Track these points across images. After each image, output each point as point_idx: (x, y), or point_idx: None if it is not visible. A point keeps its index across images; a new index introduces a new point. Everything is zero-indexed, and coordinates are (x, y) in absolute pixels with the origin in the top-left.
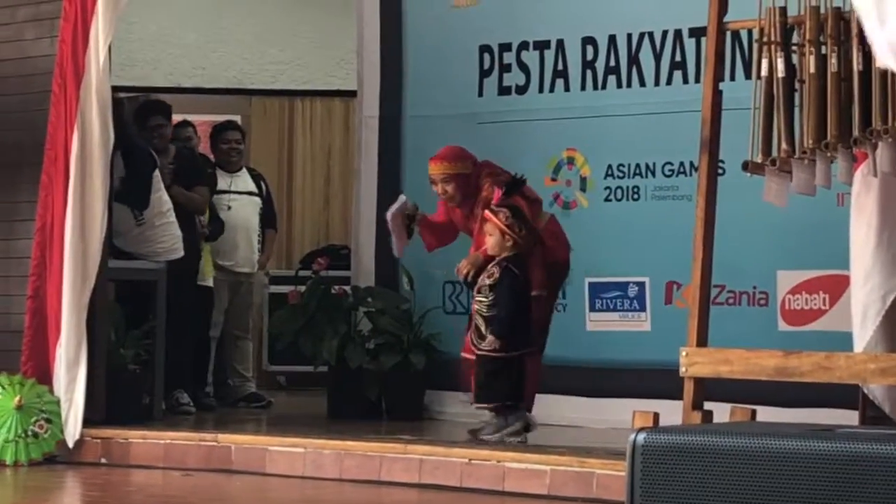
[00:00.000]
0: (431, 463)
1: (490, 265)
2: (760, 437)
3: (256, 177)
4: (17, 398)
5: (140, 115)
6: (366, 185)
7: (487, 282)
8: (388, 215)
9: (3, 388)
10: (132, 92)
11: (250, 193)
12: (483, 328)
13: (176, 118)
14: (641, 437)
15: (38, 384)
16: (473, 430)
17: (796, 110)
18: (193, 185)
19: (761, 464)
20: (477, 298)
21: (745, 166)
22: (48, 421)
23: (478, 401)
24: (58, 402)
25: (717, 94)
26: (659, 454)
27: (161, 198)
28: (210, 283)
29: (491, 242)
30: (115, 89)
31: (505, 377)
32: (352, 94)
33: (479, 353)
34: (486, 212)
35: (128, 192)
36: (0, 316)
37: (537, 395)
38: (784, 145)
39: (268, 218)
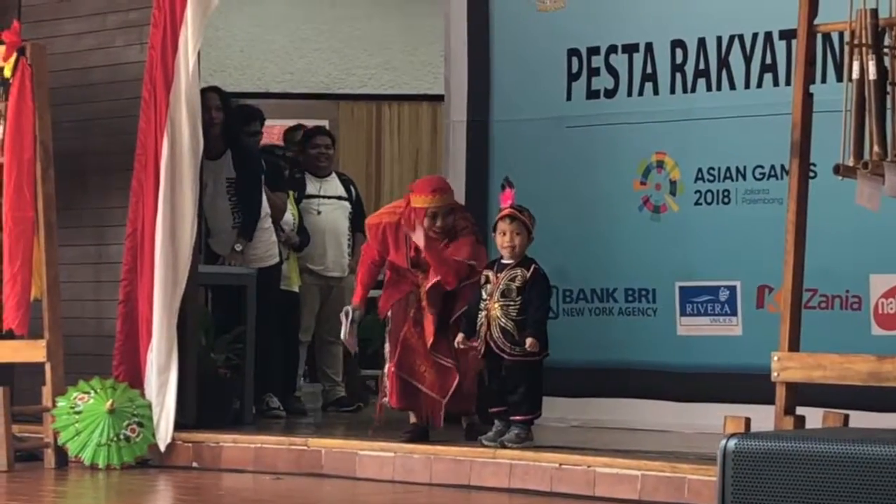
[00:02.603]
0: (521, 468)
1: (508, 268)
2: (853, 443)
3: (346, 181)
4: (110, 402)
5: (236, 120)
6: (455, 187)
7: (514, 285)
8: (345, 338)
9: (96, 391)
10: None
11: (339, 198)
12: (515, 333)
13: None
14: (733, 442)
15: (129, 388)
16: (487, 436)
17: (888, 113)
18: (274, 190)
19: (854, 470)
20: (499, 303)
21: (837, 170)
22: (140, 425)
23: (523, 413)
24: (149, 406)
25: (807, 97)
26: (750, 460)
27: (263, 203)
28: (296, 288)
29: (520, 241)
30: (221, 91)
31: (539, 381)
32: (439, 98)
33: (511, 356)
34: (512, 210)
35: (240, 198)
36: (92, 321)
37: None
38: (876, 148)
39: (357, 222)
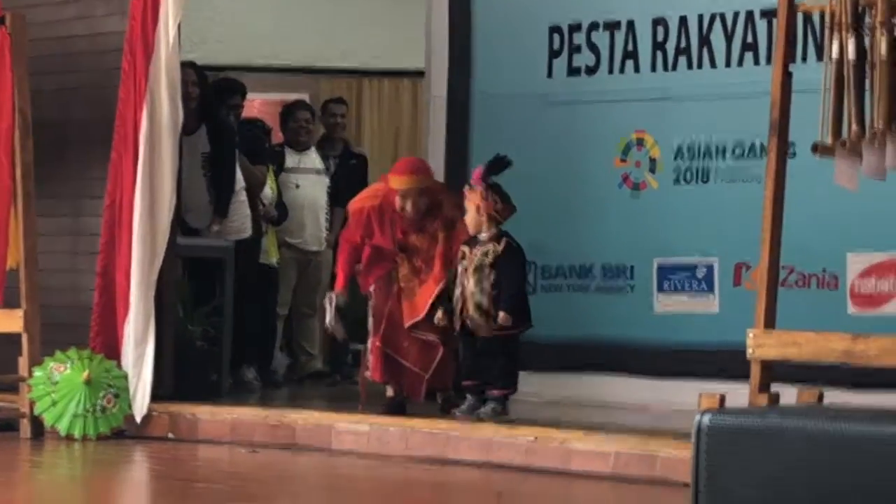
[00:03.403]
0: (497, 442)
1: (481, 244)
2: (828, 420)
3: (325, 155)
4: (86, 373)
5: (217, 93)
6: (434, 164)
7: (487, 260)
8: (330, 324)
9: (72, 362)
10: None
11: (318, 172)
12: (491, 309)
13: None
14: (707, 418)
15: (106, 359)
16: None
17: (867, 93)
18: (254, 163)
19: (829, 447)
20: (474, 279)
21: (815, 148)
22: (116, 396)
23: (499, 387)
24: (126, 378)
25: (787, 76)
26: (725, 435)
27: (237, 178)
28: (273, 262)
29: (467, 219)
30: (196, 66)
31: (516, 356)
32: (420, 73)
33: (494, 334)
34: (465, 189)
35: (215, 173)
36: (69, 292)
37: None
38: (854, 127)
39: (336, 196)
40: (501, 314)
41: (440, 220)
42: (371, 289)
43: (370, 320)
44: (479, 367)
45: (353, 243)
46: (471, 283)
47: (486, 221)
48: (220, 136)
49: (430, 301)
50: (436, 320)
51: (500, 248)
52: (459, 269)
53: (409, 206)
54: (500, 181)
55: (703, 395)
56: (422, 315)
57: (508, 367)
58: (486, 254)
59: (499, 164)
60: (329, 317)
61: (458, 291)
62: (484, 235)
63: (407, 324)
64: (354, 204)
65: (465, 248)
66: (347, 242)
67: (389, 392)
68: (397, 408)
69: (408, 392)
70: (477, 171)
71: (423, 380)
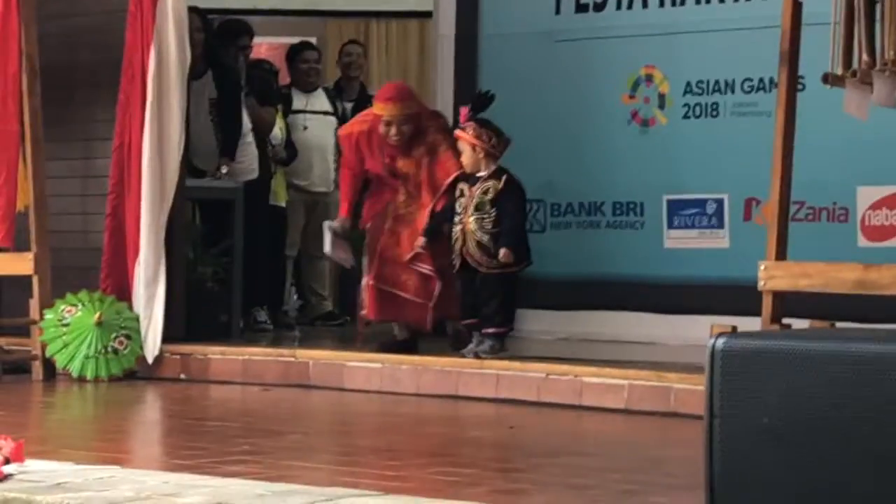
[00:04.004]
0: (508, 378)
1: (481, 181)
2: (843, 341)
3: (332, 96)
4: (97, 315)
5: (227, 35)
6: (442, 104)
7: (487, 197)
8: (330, 252)
9: (84, 304)
10: (210, 13)
11: (326, 113)
12: (491, 246)
13: None
14: (721, 341)
15: (117, 301)
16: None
17: (877, 23)
18: (263, 104)
19: (844, 368)
20: (474, 217)
21: (826, 79)
22: (128, 337)
23: (496, 325)
24: (137, 319)
25: (796, 7)
26: (739, 359)
27: (243, 120)
28: (283, 203)
29: (464, 158)
30: (200, 10)
31: (513, 294)
32: (427, 14)
33: (488, 269)
34: (456, 131)
35: (222, 117)
36: (79, 234)
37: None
38: (865, 57)
39: None
40: (503, 251)
41: (425, 146)
42: (367, 225)
43: (365, 259)
44: (478, 305)
45: (350, 168)
46: (471, 221)
47: (483, 159)
48: (226, 81)
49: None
50: (415, 246)
51: (500, 184)
52: (457, 206)
53: (392, 133)
54: (508, 118)
55: (714, 325)
56: (422, 242)
57: (506, 305)
58: (486, 191)
59: (483, 101)
60: (327, 244)
61: (457, 229)
62: (483, 172)
63: (408, 255)
64: (343, 130)
65: (464, 186)
66: (346, 168)
67: (396, 332)
68: (400, 349)
69: (415, 323)
70: (464, 111)
71: (428, 307)
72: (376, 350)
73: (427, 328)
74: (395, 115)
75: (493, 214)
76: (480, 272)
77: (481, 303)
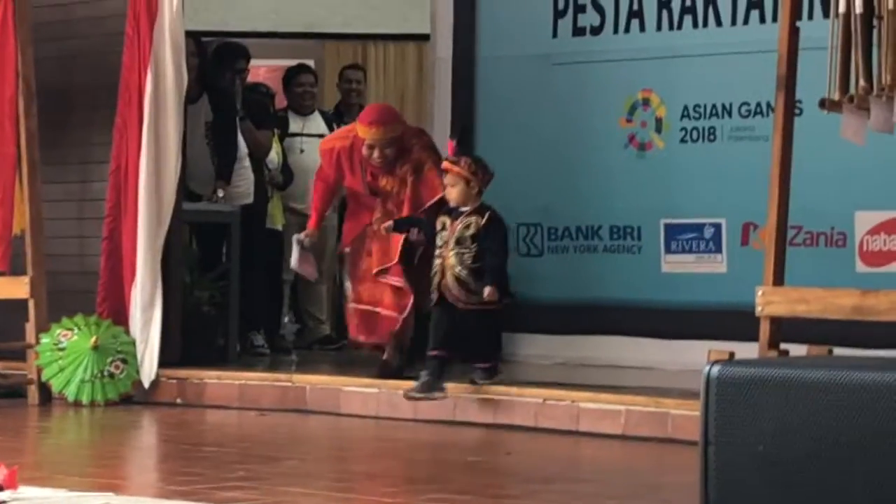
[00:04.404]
0: (505, 403)
1: (464, 216)
2: (839, 370)
3: (329, 119)
4: (94, 339)
5: (222, 58)
6: (439, 127)
7: (469, 232)
8: (296, 266)
9: (80, 328)
10: (206, 36)
11: (322, 136)
12: (471, 282)
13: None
14: (716, 368)
15: (113, 325)
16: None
17: (874, 48)
18: (259, 128)
19: (839, 396)
20: (454, 251)
21: (823, 104)
22: (124, 361)
23: (481, 360)
24: (133, 343)
25: (794, 31)
26: (734, 386)
27: (239, 143)
28: (279, 226)
29: (455, 193)
30: (194, 34)
31: (499, 330)
32: (425, 37)
33: (466, 305)
34: (446, 163)
35: (217, 141)
36: (75, 258)
37: (613, 337)
38: (862, 82)
39: None
40: (488, 289)
41: (409, 164)
42: (346, 250)
43: (347, 284)
44: (452, 339)
45: (326, 182)
46: (451, 255)
47: (475, 196)
48: (221, 104)
49: (400, 246)
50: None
51: (483, 220)
52: (438, 240)
53: (375, 156)
54: (504, 141)
55: (711, 351)
56: (394, 261)
57: (492, 340)
58: (468, 226)
59: (465, 135)
60: (294, 258)
61: (436, 262)
62: (467, 207)
63: (377, 268)
64: (324, 144)
65: (446, 219)
66: (321, 181)
67: (388, 356)
68: (388, 373)
69: (381, 338)
70: (451, 144)
71: (397, 321)
72: (374, 376)
73: (406, 340)
74: (378, 139)
75: (474, 250)
76: (458, 308)
77: (463, 339)
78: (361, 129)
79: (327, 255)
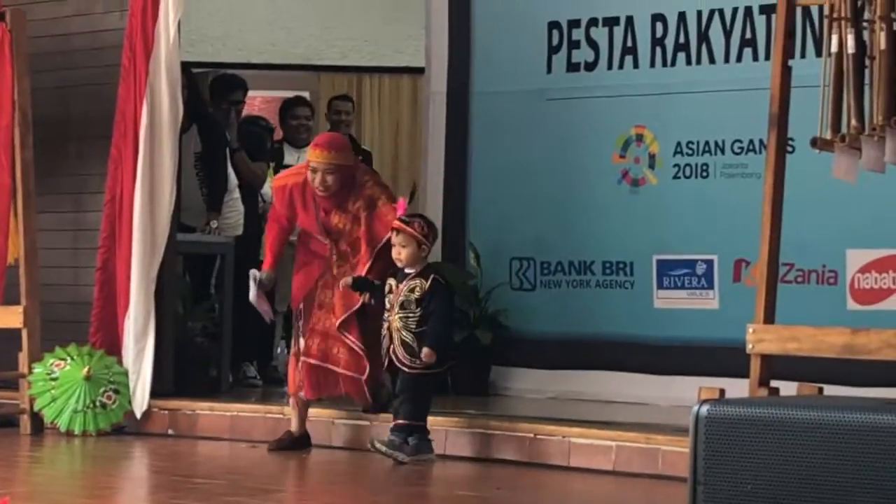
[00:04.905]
0: (497, 437)
1: (409, 279)
2: (828, 410)
3: None
4: (86, 369)
5: (219, 90)
6: (433, 161)
7: (413, 296)
8: (253, 300)
9: (73, 358)
10: (202, 68)
11: None
12: (415, 345)
13: None
14: (705, 408)
15: (106, 355)
16: (381, 444)
17: (866, 88)
18: (255, 159)
19: (828, 436)
20: (399, 315)
21: (814, 143)
22: (116, 392)
23: (406, 417)
24: (126, 374)
25: (786, 71)
26: (722, 426)
27: (228, 174)
28: None
29: (406, 254)
30: (184, 65)
31: (431, 394)
32: (420, 70)
33: (411, 370)
34: (398, 223)
35: (207, 173)
36: (69, 287)
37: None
38: (854, 122)
39: None
40: (426, 350)
41: (362, 200)
42: (300, 307)
43: (299, 337)
44: (398, 404)
45: (280, 222)
46: (396, 319)
47: (423, 259)
48: (210, 135)
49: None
50: (342, 284)
51: (427, 283)
52: (386, 302)
53: (317, 181)
54: (498, 175)
55: (702, 388)
56: (357, 306)
57: (417, 401)
58: (412, 289)
59: (413, 194)
60: (252, 293)
61: (384, 326)
62: (411, 270)
63: (340, 318)
64: (277, 181)
65: (392, 282)
66: (274, 222)
67: (293, 426)
68: (291, 444)
69: (354, 397)
70: (402, 202)
71: (362, 382)
72: (269, 449)
73: (367, 401)
74: (322, 162)
75: (419, 313)
76: (405, 372)
77: (403, 399)
78: (310, 153)
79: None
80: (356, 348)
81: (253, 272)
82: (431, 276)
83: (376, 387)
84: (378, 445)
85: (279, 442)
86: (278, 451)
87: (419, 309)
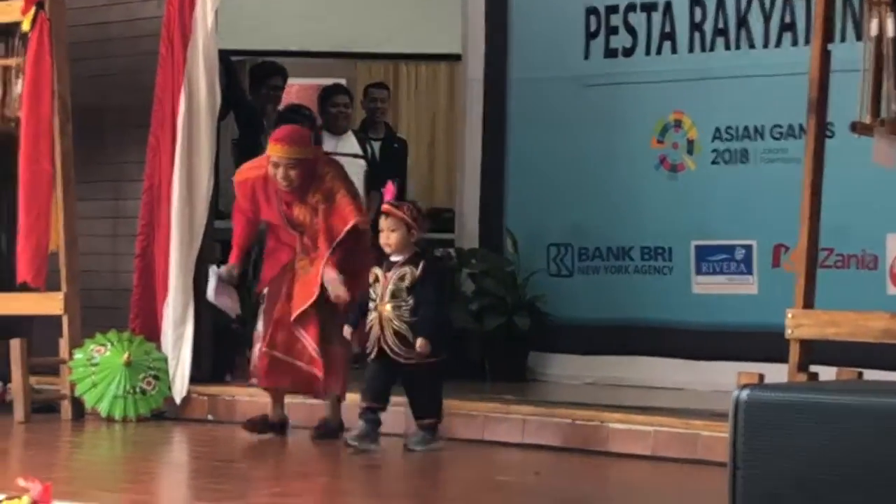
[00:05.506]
0: (534, 423)
1: (397, 266)
2: (867, 395)
3: (361, 139)
4: (126, 355)
5: (258, 76)
6: (470, 148)
7: (404, 284)
8: (212, 298)
9: (112, 344)
10: (239, 56)
11: (355, 156)
12: (409, 335)
13: None
14: (745, 393)
15: (145, 341)
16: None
17: None
18: None
19: (868, 421)
20: (391, 304)
21: (854, 127)
22: (156, 378)
23: (427, 416)
24: (165, 360)
25: (825, 56)
26: (762, 411)
27: None
28: None
29: (395, 239)
30: (222, 53)
31: (440, 384)
32: (457, 57)
33: (407, 361)
34: (386, 206)
35: (244, 160)
36: (108, 274)
37: (643, 358)
38: (893, 106)
39: (374, 180)
40: (420, 341)
41: (321, 192)
42: (265, 290)
43: (259, 324)
44: (387, 391)
45: (245, 216)
46: (387, 309)
47: (412, 245)
48: (248, 122)
49: (319, 283)
50: (347, 335)
51: (418, 271)
52: (371, 293)
53: (279, 175)
54: (536, 162)
55: (741, 373)
56: (313, 298)
57: (434, 398)
58: (402, 277)
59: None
60: (210, 290)
61: (372, 316)
62: (399, 257)
63: (297, 311)
64: (238, 176)
65: (378, 271)
66: (241, 214)
67: (271, 413)
68: (263, 428)
69: (306, 393)
70: (391, 186)
71: (319, 379)
72: (243, 427)
73: (323, 398)
74: (283, 157)
75: (411, 302)
76: (401, 365)
77: (408, 395)
78: (270, 147)
79: None
80: (310, 350)
81: (212, 267)
82: (422, 263)
83: (331, 399)
84: (350, 442)
85: (252, 423)
86: (249, 429)
87: (411, 297)
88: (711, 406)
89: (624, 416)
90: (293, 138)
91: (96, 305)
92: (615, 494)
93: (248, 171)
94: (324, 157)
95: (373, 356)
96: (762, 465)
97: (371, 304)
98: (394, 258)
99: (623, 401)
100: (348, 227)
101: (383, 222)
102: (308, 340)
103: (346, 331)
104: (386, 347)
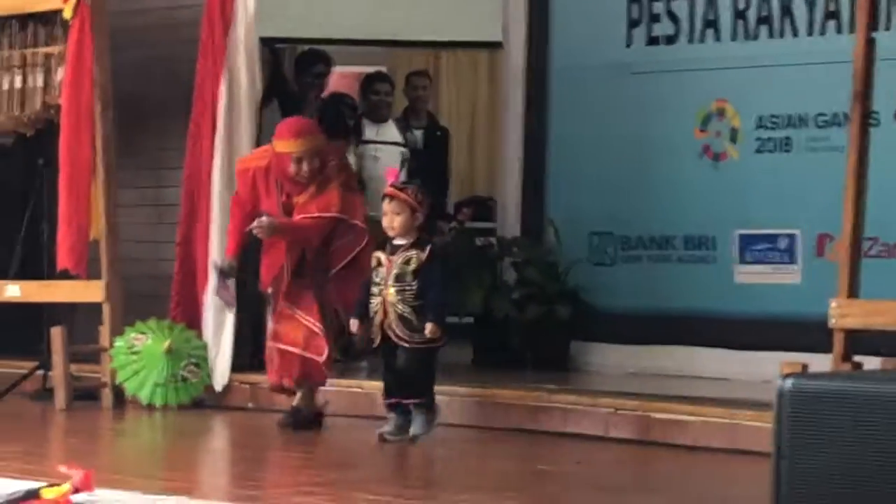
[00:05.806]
0: (577, 412)
1: (402, 250)
2: None
3: (402, 127)
4: (167, 343)
5: (302, 64)
6: (511, 137)
7: (409, 268)
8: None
9: (153, 332)
10: (281, 44)
11: (396, 144)
12: (414, 319)
13: None
14: (790, 382)
15: (186, 329)
16: (388, 434)
17: None
18: (331, 138)
19: None
20: (395, 288)
21: None
22: (197, 365)
23: (414, 396)
24: (206, 347)
25: (869, 44)
26: (807, 400)
27: None
28: None
29: (399, 222)
30: (266, 41)
31: (434, 367)
32: (498, 45)
33: (415, 345)
34: (391, 189)
35: None
36: (149, 262)
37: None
38: None
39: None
40: (430, 325)
41: (318, 180)
42: (269, 290)
43: (270, 323)
44: (402, 382)
45: (243, 207)
46: (392, 293)
47: (417, 228)
48: (290, 109)
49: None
50: (354, 329)
51: (424, 255)
52: (375, 277)
53: (304, 169)
54: (578, 150)
55: (784, 363)
56: (355, 326)
57: (428, 381)
58: (407, 261)
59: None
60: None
61: (375, 301)
62: (403, 241)
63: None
64: (239, 165)
65: (381, 255)
66: (238, 206)
67: (295, 401)
68: (298, 422)
69: (308, 379)
70: (394, 170)
71: (319, 364)
72: (279, 424)
73: (291, 384)
74: (306, 149)
75: (416, 286)
76: (405, 348)
77: (408, 375)
78: (286, 144)
79: None
80: (315, 329)
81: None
82: (428, 247)
83: (314, 389)
84: (388, 437)
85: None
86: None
87: (416, 281)
88: (754, 396)
89: (666, 406)
90: (309, 129)
91: (137, 293)
92: (657, 484)
93: (249, 160)
94: (331, 147)
95: (376, 343)
96: (806, 455)
97: (375, 289)
98: (398, 241)
99: (665, 390)
100: (323, 214)
101: (387, 205)
102: (310, 321)
103: (354, 324)
104: (390, 332)
